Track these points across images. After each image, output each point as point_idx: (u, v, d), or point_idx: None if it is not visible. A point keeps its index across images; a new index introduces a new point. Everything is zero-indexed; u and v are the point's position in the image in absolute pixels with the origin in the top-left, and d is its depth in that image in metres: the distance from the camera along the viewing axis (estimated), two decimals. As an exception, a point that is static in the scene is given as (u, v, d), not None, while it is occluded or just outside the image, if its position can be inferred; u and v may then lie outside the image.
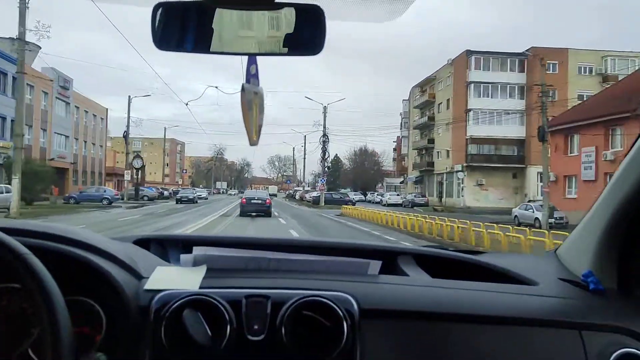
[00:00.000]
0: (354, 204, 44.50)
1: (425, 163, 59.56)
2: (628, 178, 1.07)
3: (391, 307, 1.06)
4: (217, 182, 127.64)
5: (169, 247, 1.36)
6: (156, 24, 1.00)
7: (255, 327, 1.00)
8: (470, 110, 47.31)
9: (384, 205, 48.98)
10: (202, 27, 1.00)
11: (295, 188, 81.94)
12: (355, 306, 1.02)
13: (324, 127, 48.34)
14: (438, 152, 55.87)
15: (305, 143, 69.14)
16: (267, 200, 25.46)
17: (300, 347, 0.98)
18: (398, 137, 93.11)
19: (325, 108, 48.17)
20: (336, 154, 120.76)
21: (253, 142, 1.11)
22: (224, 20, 1.01)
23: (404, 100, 70.27)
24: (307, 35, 1.02)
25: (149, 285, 1.04)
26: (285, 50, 1.03)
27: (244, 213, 24.64)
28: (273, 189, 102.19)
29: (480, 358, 1.01)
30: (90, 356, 0.90)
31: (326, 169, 50.43)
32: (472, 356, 1.01)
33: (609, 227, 1.15)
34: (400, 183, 79.96)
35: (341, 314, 1.00)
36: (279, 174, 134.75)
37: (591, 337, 1.04)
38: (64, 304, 0.80)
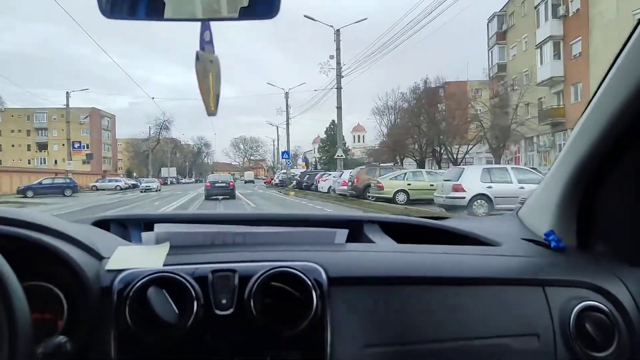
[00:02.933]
0: None
1: None
2: (585, 136, 1.11)
3: (359, 274, 1.06)
4: (162, 169, 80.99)
5: (130, 227, 1.30)
6: None
7: (223, 301, 0.98)
8: None
9: None
10: None
11: (308, 172, 39.31)
12: (324, 275, 1.02)
13: None
14: None
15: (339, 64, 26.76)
16: (231, 183, 26.37)
17: (270, 319, 0.97)
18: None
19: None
20: (333, 120, 74.64)
21: (211, 112, 1.03)
22: None
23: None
24: None
25: (111, 265, 0.99)
26: (241, 14, 0.97)
27: (208, 196, 24.92)
28: (249, 174, 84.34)
29: (448, 318, 1.04)
30: (52, 341, 0.85)
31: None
32: (440, 317, 1.04)
33: (567, 187, 1.20)
34: (542, 147, 35.25)
35: (310, 283, 0.99)
36: (245, 158, 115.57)
37: (554, 293, 1.09)
38: (20, 289, 0.76)
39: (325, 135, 79.70)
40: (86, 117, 72.85)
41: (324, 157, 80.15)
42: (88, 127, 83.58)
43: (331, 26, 27.12)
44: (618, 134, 1.06)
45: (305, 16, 26.51)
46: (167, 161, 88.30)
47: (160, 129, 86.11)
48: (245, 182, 71.85)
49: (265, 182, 65.94)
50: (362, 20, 29.20)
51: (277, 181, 48.11)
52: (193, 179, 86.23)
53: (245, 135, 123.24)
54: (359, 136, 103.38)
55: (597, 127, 1.07)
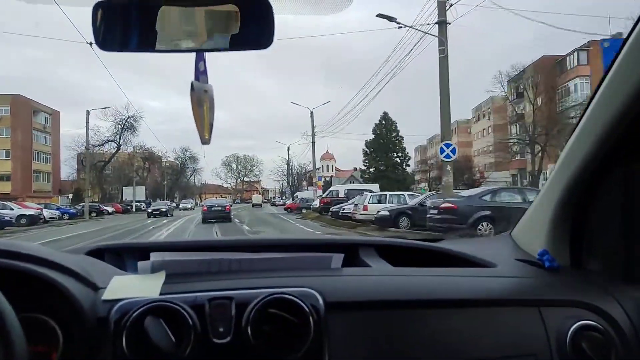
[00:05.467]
0: None
1: None
2: (574, 157, 1.13)
3: (356, 299, 1.05)
4: (124, 190, 47.63)
5: (124, 256, 1.28)
6: (97, 24, 0.95)
7: (221, 329, 0.97)
8: None
9: None
10: (145, 25, 0.95)
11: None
12: (321, 301, 1.01)
13: None
14: None
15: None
16: (227, 207, 26.91)
17: (268, 346, 0.96)
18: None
19: None
20: (385, 113, 44.99)
21: (205, 141, 1.04)
22: (168, 17, 0.96)
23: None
24: (255, 29, 0.98)
25: (107, 295, 0.98)
26: (234, 45, 0.98)
27: (205, 220, 25.43)
28: (257, 198, 71.20)
29: (446, 341, 1.04)
30: None
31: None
32: (438, 340, 1.04)
33: (559, 206, 1.21)
34: None
35: (307, 309, 0.98)
36: (238, 179, 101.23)
37: (550, 313, 1.08)
38: (17, 322, 0.75)
39: (372, 136, 50.39)
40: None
41: (371, 170, 49.28)
42: (8, 123, 53.45)
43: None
44: (608, 153, 1.07)
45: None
46: (133, 178, 58.36)
47: (123, 129, 56.33)
48: (254, 205, 63.73)
49: (288, 209, 37.47)
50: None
51: (379, 215, 18.18)
52: (173, 204, 55.59)
53: (238, 153, 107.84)
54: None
55: (586, 147, 1.08)
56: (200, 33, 0.96)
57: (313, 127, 34.65)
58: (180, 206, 56.45)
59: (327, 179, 61.58)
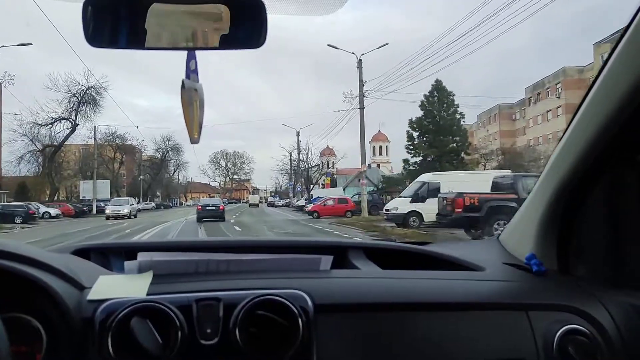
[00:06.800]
0: None
1: None
2: (563, 161, 1.13)
3: (345, 301, 1.05)
4: (81, 184, 30.50)
5: (111, 256, 1.27)
6: (87, 20, 0.94)
7: (208, 330, 0.96)
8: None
9: None
10: (136, 22, 0.94)
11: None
12: (310, 302, 1.01)
13: None
14: None
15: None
16: (221, 207, 27.08)
17: (256, 348, 0.95)
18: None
19: None
20: (438, 82, 24.24)
21: (194, 140, 1.04)
22: (159, 14, 0.95)
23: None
24: (247, 29, 0.98)
25: (92, 295, 0.96)
26: (225, 44, 0.98)
27: (200, 219, 25.57)
28: (254, 198, 67.39)
29: (434, 344, 1.04)
30: None
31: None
32: (426, 343, 1.04)
33: (546, 212, 1.21)
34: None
35: (296, 311, 0.98)
36: (227, 177, 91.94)
37: (537, 317, 1.09)
38: (0, 322, 0.74)
39: (421, 113, 36.77)
40: None
41: (417, 161, 35.12)
42: None
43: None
44: (597, 157, 1.07)
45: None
46: (94, 169, 44.03)
47: (80, 103, 41.81)
48: (250, 205, 60.37)
49: (314, 212, 30.37)
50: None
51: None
52: (148, 205, 39.95)
53: (227, 149, 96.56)
54: (379, 147, 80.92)
55: (575, 151, 1.08)
56: (191, 31, 0.95)
57: (361, 82, 21.18)
58: (108, 211, 33.54)
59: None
